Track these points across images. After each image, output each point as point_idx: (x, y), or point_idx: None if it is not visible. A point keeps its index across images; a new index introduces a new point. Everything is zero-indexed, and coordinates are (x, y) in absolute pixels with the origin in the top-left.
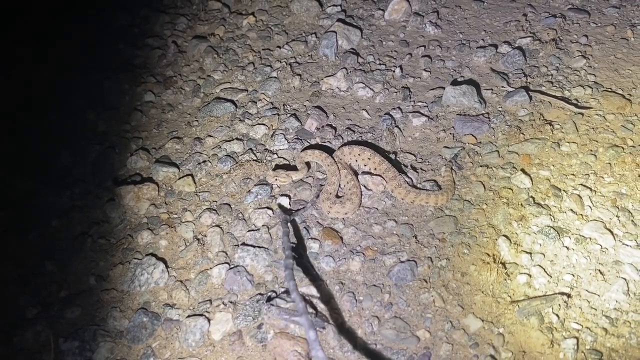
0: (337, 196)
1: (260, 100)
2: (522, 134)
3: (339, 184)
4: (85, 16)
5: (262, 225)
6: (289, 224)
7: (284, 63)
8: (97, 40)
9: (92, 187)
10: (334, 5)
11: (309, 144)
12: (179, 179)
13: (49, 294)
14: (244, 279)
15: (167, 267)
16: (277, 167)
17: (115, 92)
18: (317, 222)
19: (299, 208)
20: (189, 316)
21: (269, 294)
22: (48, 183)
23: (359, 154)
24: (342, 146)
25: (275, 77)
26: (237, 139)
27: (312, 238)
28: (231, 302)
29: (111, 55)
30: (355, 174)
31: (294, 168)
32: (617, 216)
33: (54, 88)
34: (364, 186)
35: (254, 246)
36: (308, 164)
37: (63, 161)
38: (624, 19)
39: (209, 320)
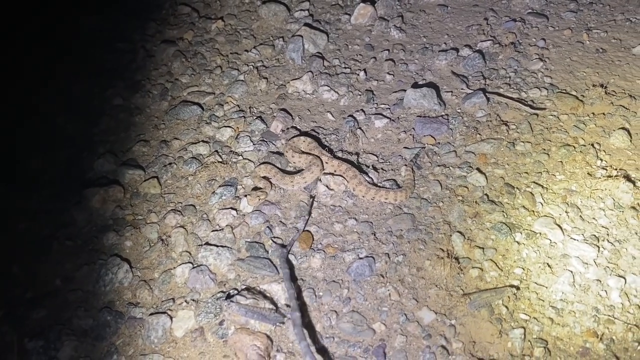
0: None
1: (227, 103)
2: (479, 134)
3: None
4: (55, 21)
5: (226, 225)
6: (287, 259)
7: (251, 66)
8: (67, 44)
9: (59, 190)
10: (301, 10)
11: (271, 152)
12: (145, 181)
13: (15, 296)
14: (207, 277)
15: (131, 267)
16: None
17: (85, 97)
18: (280, 221)
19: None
20: (151, 314)
21: (230, 291)
22: (16, 187)
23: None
24: (294, 137)
25: (242, 80)
26: (203, 141)
27: (274, 237)
28: (193, 300)
29: (81, 59)
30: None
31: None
32: (566, 212)
33: (23, 93)
34: (326, 186)
35: (217, 245)
36: (265, 178)
37: (31, 165)
38: (580, 22)
39: (171, 317)
